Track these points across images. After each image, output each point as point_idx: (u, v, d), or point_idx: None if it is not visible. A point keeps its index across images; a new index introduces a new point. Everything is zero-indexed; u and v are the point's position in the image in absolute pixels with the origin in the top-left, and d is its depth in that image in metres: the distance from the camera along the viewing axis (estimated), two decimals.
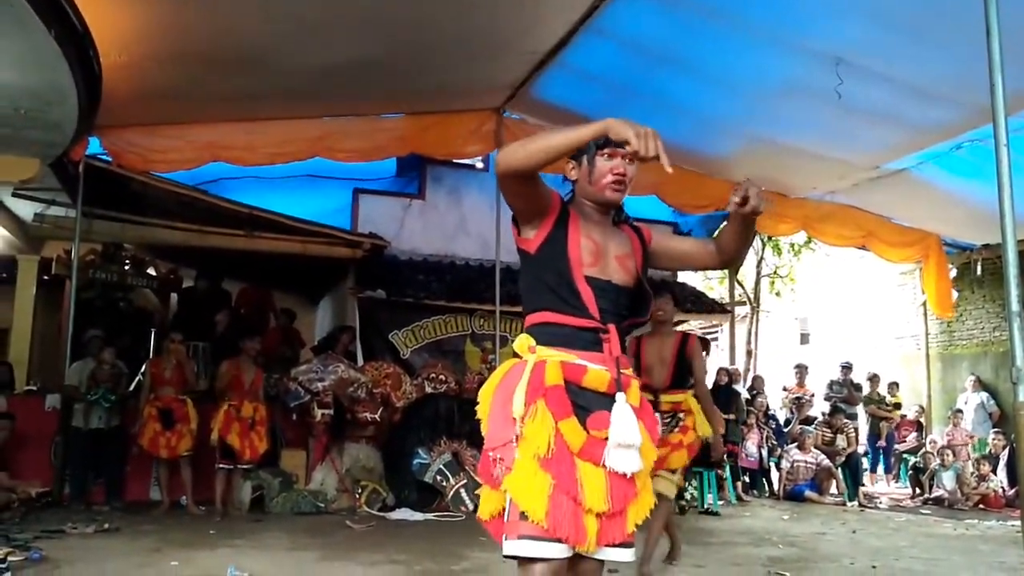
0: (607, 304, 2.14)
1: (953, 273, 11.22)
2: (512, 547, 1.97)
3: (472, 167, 10.99)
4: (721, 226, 2.37)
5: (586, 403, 2.06)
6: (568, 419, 2.02)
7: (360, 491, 7.67)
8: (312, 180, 10.03)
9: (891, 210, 10.15)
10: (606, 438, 2.02)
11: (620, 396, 2.07)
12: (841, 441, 9.89)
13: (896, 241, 10.49)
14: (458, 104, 8.62)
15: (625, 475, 2.03)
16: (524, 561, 1.97)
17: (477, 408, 2.18)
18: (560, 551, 1.95)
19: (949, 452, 9.84)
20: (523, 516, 1.94)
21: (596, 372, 2.08)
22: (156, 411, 7.18)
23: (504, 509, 2.04)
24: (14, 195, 8.20)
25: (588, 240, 2.16)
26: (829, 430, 10.02)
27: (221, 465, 7.09)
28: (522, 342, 2.14)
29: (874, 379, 11.39)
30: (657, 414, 2.84)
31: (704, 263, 2.43)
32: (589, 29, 6.71)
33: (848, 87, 6.45)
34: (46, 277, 10.01)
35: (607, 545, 2.03)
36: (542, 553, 1.94)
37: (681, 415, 4.46)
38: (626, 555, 2.09)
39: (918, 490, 10.09)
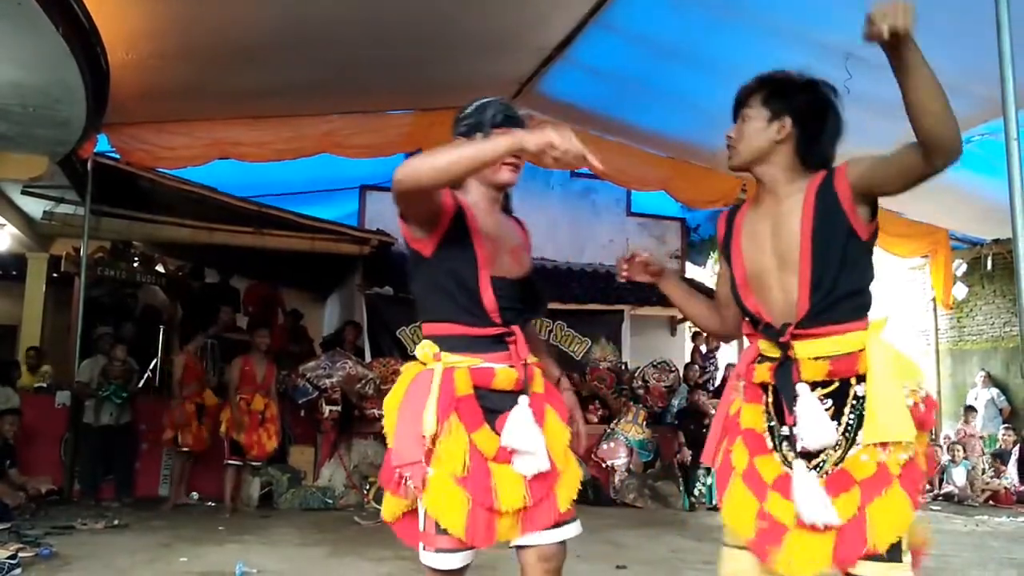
0: (507, 303, 2.09)
1: (963, 268, 11.17)
2: (431, 559, 2.03)
3: None
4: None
5: (493, 405, 2.05)
6: (480, 429, 2.01)
7: (368, 487, 7.68)
8: (322, 192, 10.13)
9: (900, 205, 10.08)
10: None
11: (522, 399, 2.05)
12: None
13: (904, 234, 10.43)
14: (465, 100, 8.55)
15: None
16: (440, 572, 2.04)
17: (382, 420, 2.14)
18: (470, 555, 2.05)
19: (959, 448, 9.80)
20: (440, 530, 1.97)
21: (504, 372, 2.06)
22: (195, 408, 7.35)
23: (406, 512, 2.09)
24: (23, 193, 8.24)
25: (487, 236, 2.08)
26: None
27: (230, 461, 7.12)
28: (425, 350, 2.07)
29: None
30: (810, 398, 1.84)
31: None
32: (596, 24, 6.69)
33: (857, 81, 6.40)
34: (55, 275, 10.06)
35: (541, 529, 2.05)
36: (458, 564, 2.03)
37: (859, 388, 1.86)
38: (569, 532, 2.11)
39: (928, 486, 10.05)
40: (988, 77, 4.16)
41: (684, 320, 12.37)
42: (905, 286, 12.98)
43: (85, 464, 7.49)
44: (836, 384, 1.87)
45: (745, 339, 2.08)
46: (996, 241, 10.65)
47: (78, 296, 7.95)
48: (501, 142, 1.85)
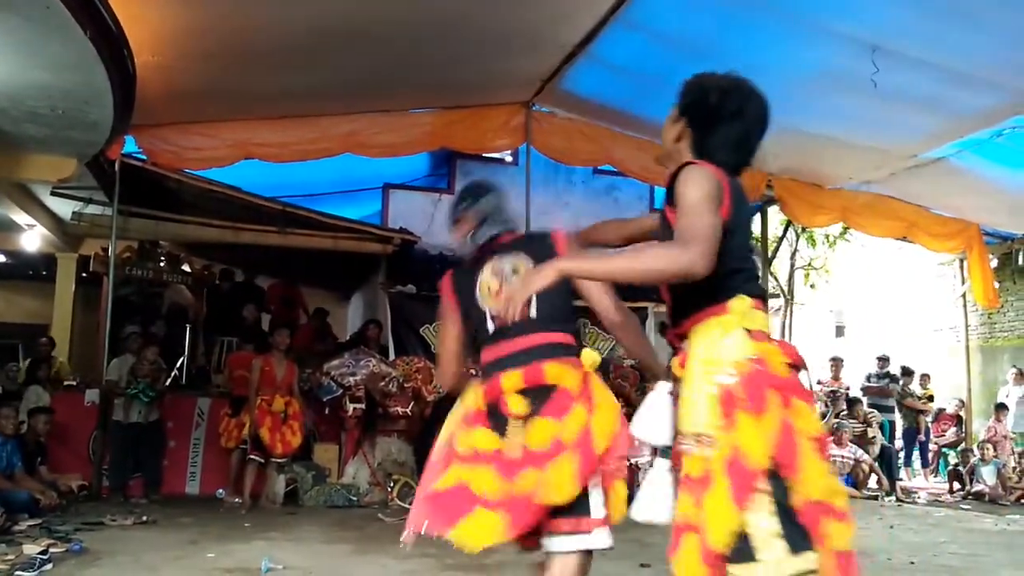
0: None
1: (994, 264, 10.97)
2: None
3: (501, 161, 10.97)
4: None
5: None
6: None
7: (392, 484, 7.71)
8: (345, 192, 10.19)
9: (929, 200, 9.94)
10: None
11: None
12: (871, 430, 9.80)
13: (939, 232, 10.24)
14: (487, 98, 8.61)
15: None
16: None
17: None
18: None
19: (990, 446, 9.65)
20: None
21: None
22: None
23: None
24: (53, 194, 8.37)
25: None
26: (857, 422, 9.89)
27: (252, 456, 7.17)
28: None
29: (908, 373, 11.18)
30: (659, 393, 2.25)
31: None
32: (618, 21, 6.65)
33: (884, 74, 6.32)
34: (84, 274, 10.21)
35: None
36: None
37: None
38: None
39: (956, 485, 9.90)
40: (1019, 67, 4.08)
41: None
42: (933, 282, 12.80)
43: (114, 461, 7.58)
44: None
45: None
46: None
47: (107, 295, 8.05)
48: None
